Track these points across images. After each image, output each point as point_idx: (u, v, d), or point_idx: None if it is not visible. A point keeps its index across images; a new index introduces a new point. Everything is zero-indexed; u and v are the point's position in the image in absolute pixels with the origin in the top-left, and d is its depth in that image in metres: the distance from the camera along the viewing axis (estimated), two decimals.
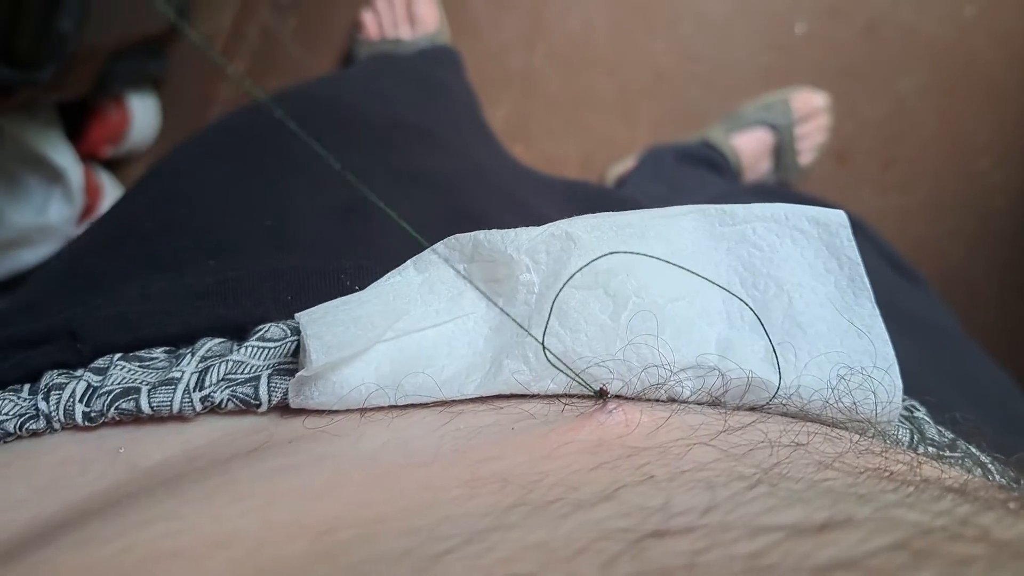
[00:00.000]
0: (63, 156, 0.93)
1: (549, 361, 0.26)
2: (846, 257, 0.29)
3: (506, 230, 0.29)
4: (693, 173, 1.04)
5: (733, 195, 0.91)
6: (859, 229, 0.70)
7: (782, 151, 1.12)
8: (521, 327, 0.27)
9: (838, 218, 0.29)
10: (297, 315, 0.27)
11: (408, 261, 0.30)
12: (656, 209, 0.30)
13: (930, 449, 0.29)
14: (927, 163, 1.18)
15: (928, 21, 1.16)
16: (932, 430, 0.31)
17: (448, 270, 0.29)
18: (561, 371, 0.26)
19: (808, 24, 1.17)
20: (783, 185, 1.13)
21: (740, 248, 0.29)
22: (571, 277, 0.27)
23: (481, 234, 0.29)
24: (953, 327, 0.58)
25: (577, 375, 0.26)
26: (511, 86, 1.19)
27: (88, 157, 1.01)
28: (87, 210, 1.01)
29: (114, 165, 1.10)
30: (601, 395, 0.25)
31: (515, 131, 1.19)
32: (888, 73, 1.17)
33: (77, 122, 0.99)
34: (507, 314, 0.28)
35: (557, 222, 0.29)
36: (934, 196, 1.18)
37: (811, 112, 1.12)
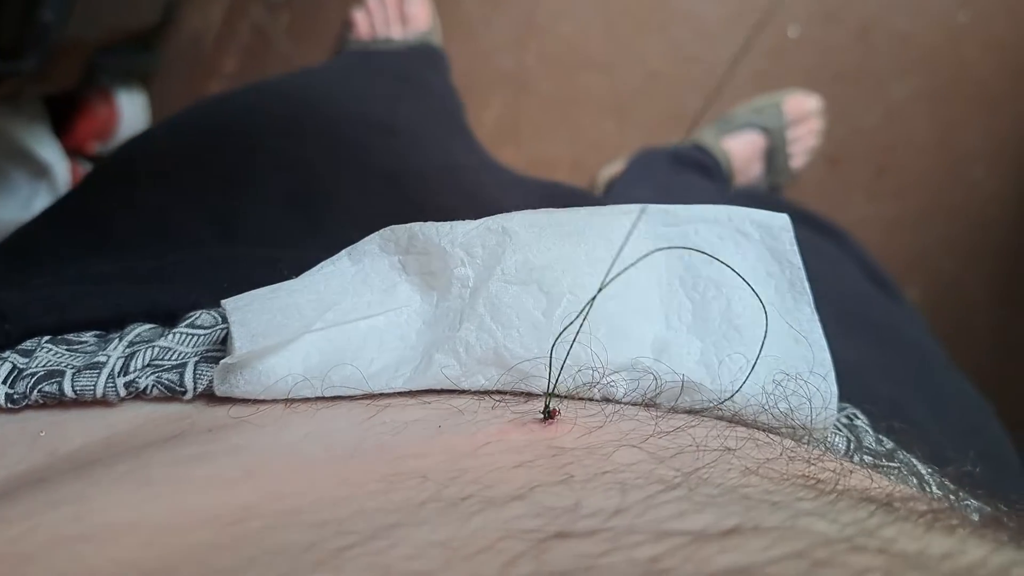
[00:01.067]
0: (49, 151, 0.93)
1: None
2: (788, 262, 0.28)
3: (442, 223, 0.28)
4: (683, 178, 1.03)
5: (721, 199, 0.90)
6: (840, 239, 0.70)
7: (774, 154, 1.11)
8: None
9: (781, 222, 0.29)
10: (223, 302, 0.27)
11: (342, 251, 0.29)
12: (597, 207, 0.29)
13: (866, 458, 0.29)
14: (919, 170, 1.17)
15: (921, 27, 1.15)
16: (870, 438, 0.30)
17: (383, 262, 0.29)
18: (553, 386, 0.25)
19: (801, 28, 1.16)
20: (774, 190, 1.13)
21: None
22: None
23: (416, 226, 0.28)
24: (931, 345, 0.58)
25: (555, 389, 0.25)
26: (503, 86, 1.19)
27: (75, 152, 1.01)
28: None
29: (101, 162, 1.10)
30: (550, 416, 0.24)
31: (506, 132, 1.18)
32: (881, 78, 1.16)
33: (64, 117, 0.99)
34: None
35: (493, 216, 0.28)
36: (926, 203, 1.18)
37: (803, 115, 1.11)
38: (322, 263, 0.29)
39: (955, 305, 1.17)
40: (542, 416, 0.24)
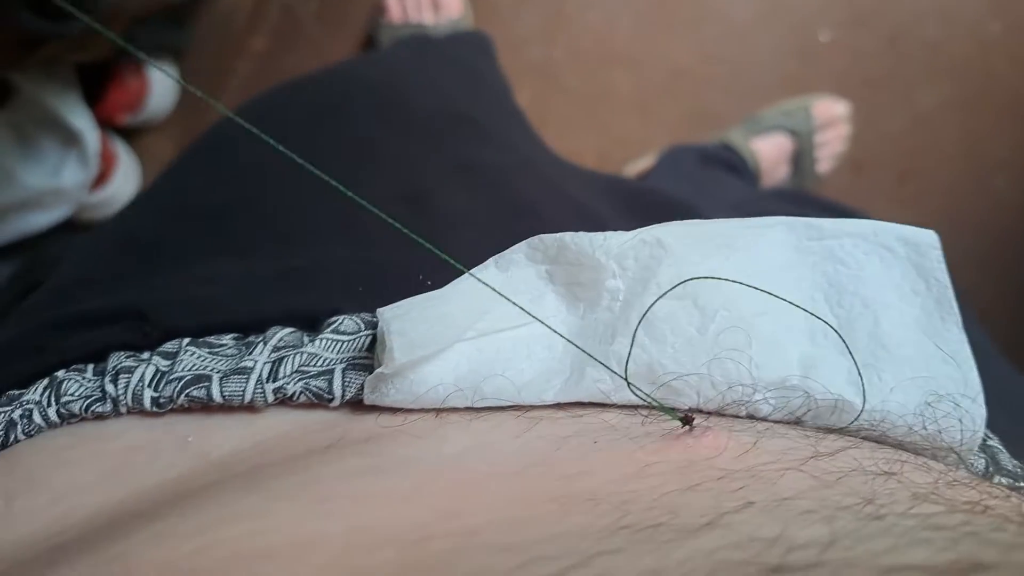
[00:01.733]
0: (80, 119, 0.92)
1: (632, 390, 0.25)
2: (935, 279, 0.28)
3: (594, 233, 0.28)
4: (713, 175, 1.03)
5: (754, 200, 0.90)
6: None
7: (801, 158, 1.11)
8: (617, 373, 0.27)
9: (929, 238, 0.28)
10: (380, 310, 0.27)
11: (490, 259, 0.29)
12: (744, 219, 0.29)
13: (1004, 480, 0.29)
14: (943, 178, 1.18)
15: (952, 36, 1.15)
16: (1006, 459, 0.30)
17: (530, 270, 0.29)
18: (640, 398, 0.25)
19: (832, 32, 1.16)
20: (800, 192, 1.13)
21: (826, 264, 0.28)
22: (668, 290, 0.26)
23: (568, 236, 0.28)
24: (988, 344, 0.58)
25: (656, 401, 0.25)
26: (530, 78, 1.18)
27: (105, 123, 1.00)
28: (100, 177, 0.99)
29: (129, 134, 1.08)
30: (687, 422, 0.24)
31: (533, 123, 1.18)
32: (909, 85, 1.17)
33: (96, 87, 0.98)
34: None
35: (648, 228, 0.28)
36: (948, 212, 1.18)
37: (831, 120, 1.12)
38: (470, 271, 0.29)
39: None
40: (680, 424, 0.24)
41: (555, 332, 0.27)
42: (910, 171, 1.18)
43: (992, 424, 0.34)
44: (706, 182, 1.02)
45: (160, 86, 1.04)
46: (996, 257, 1.18)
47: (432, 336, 0.26)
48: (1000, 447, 0.31)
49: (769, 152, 1.10)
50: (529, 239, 0.29)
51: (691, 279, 0.26)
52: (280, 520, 0.20)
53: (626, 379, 0.25)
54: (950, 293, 0.28)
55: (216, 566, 0.19)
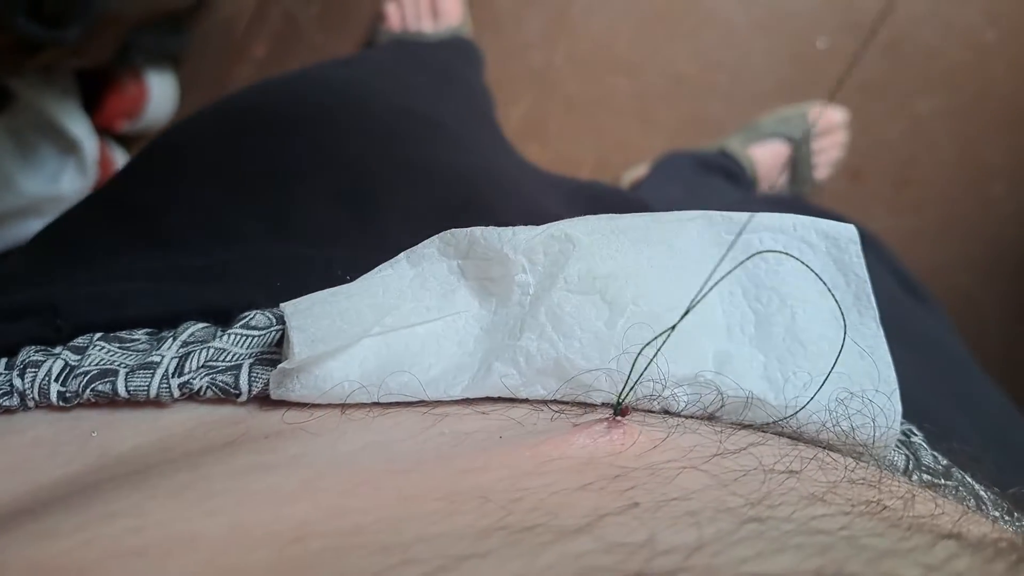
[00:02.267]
0: (79, 127, 0.93)
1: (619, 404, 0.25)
2: (854, 274, 0.28)
3: (504, 228, 0.28)
4: (709, 181, 1.03)
5: (749, 205, 0.90)
6: (872, 246, 0.69)
7: (798, 164, 1.11)
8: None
9: (848, 232, 0.28)
10: (282, 305, 0.27)
11: (401, 254, 0.29)
12: (660, 213, 0.29)
13: (925, 476, 0.28)
14: (941, 185, 1.17)
15: (949, 43, 1.15)
16: (928, 456, 0.30)
17: (442, 265, 0.28)
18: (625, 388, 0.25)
19: (830, 40, 1.16)
20: (797, 198, 1.13)
21: (745, 258, 0.28)
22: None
23: (478, 230, 0.28)
24: (961, 350, 0.57)
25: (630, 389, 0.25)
26: (531, 84, 1.19)
27: (103, 130, 1.01)
28: (99, 184, 1.00)
29: (127, 142, 1.10)
30: (622, 413, 0.24)
31: (532, 130, 1.18)
32: (907, 93, 1.16)
33: (94, 94, 0.99)
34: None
35: (557, 223, 0.28)
36: (946, 219, 1.17)
37: (829, 127, 1.11)
38: (380, 266, 0.29)
39: (969, 320, 1.16)
40: (612, 415, 0.24)
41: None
42: (907, 178, 1.17)
43: (952, 431, 0.33)
44: (702, 188, 1.02)
45: (159, 94, 1.05)
46: (993, 263, 1.17)
47: (335, 331, 0.26)
48: (924, 444, 0.31)
49: (766, 159, 1.10)
50: (441, 234, 0.29)
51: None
52: (160, 517, 0.20)
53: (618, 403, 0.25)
54: (868, 288, 0.28)
55: (89, 565, 0.19)
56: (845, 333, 0.27)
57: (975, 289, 1.17)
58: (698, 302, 0.23)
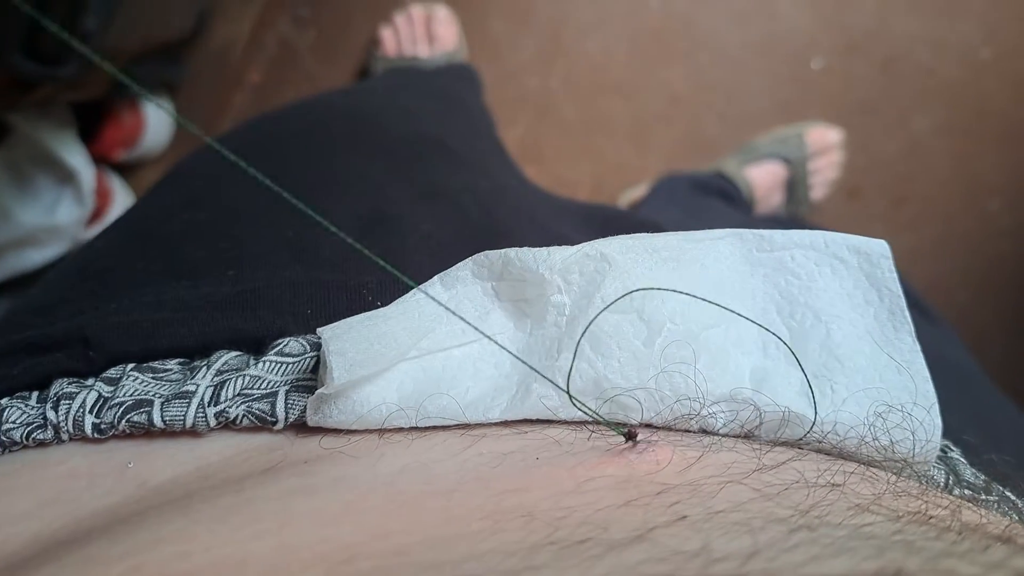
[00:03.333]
0: (76, 157, 0.93)
1: (575, 404, 0.25)
2: (887, 289, 0.28)
3: (538, 248, 0.28)
4: (707, 202, 1.03)
5: (748, 226, 0.90)
6: None
7: (795, 185, 1.11)
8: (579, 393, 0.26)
9: (880, 248, 0.28)
10: (319, 330, 0.26)
11: (435, 277, 0.29)
12: (692, 232, 0.29)
13: (966, 492, 0.28)
14: (938, 203, 1.17)
15: (944, 62, 1.16)
16: (967, 472, 0.30)
17: (476, 288, 0.28)
18: (584, 413, 0.25)
19: (825, 60, 1.17)
20: (795, 219, 1.13)
21: (777, 275, 0.28)
22: (609, 303, 0.26)
23: (512, 252, 0.28)
24: (973, 367, 0.57)
25: (601, 416, 0.25)
26: (527, 107, 1.19)
27: (100, 160, 1.01)
28: (96, 213, 1.00)
29: (125, 170, 1.09)
30: (630, 437, 0.24)
31: (529, 152, 1.19)
32: (903, 112, 1.17)
33: (91, 124, 0.99)
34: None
35: (591, 242, 0.28)
36: (944, 236, 1.18)
37: (825, 147, 1.12)
38: (414, 289, 0.29)
39: (968, 337, 1.16)
40: (624, 440, 0.24)
41: (502, 347, 0.27)
42: (905, 196, 1.18)
43: (967, 443, 0.33)
44: (699, 210, 1.02)
45: (156, 122, 1.05)
46: (992, 280, 1.18)
47: (373, 355, 0.25)
48: (962, 459, 0.30)
49: (763, 179, 1.10)
50: (475, 256, 0.28)
51: (635, 291, 0.26)
52: (207, 542, 0.20)
53: (568, 392, 0.25)
54: (902, 303, 0.28)
55: None
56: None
57: (974, 305, 1.18)
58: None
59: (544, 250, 0.28)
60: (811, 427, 0.26)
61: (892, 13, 1.16)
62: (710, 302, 0.26)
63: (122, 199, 1.06)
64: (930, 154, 1.17)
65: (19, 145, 0.90)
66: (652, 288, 0.26)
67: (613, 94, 1.19)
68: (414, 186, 0.42)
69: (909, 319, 0.28)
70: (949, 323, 0.71)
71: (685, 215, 0.99)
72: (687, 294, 0.26)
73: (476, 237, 0.39)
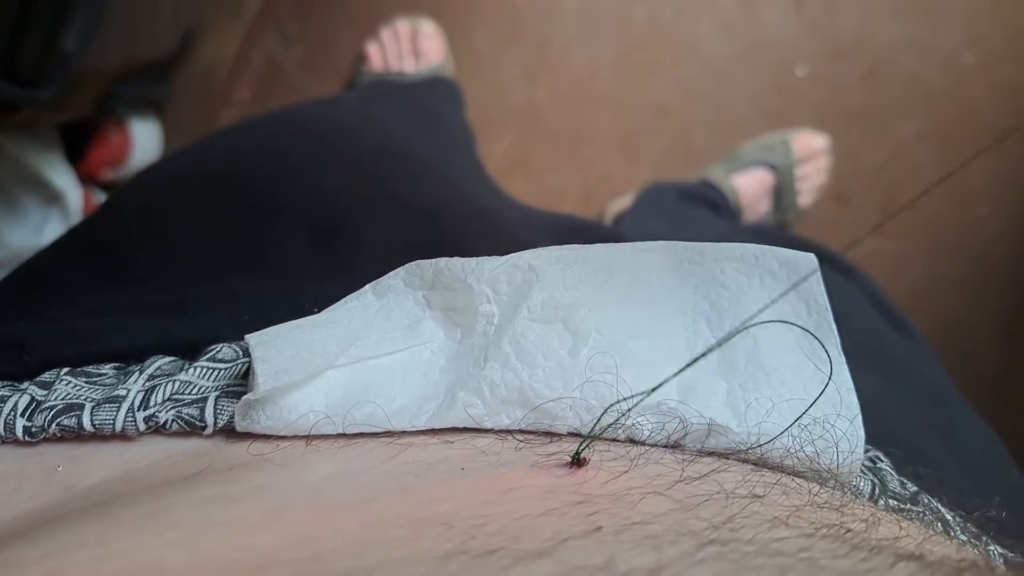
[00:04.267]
0: (62, 178, 0.93)
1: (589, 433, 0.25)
2: (815, 302, 0.28)
3: (468, 259, 0.28)
4: (693, 212, 1.04)
5: (732, 236, 0.90)
6: (855, 276, 0.70)
7: (782, 192, 1.12)
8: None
9: (808, 261, 0.28)
10: (247, 336, 0.27)
11: (367, 286, 0.29)
12: (622, 243, 0.29)
13: (891, 502, 0.28)
14: (926, 208, 1.17)
15: (928, 68, 1.16)
16: (895, 482, 0.30)
17: (407, 297, 0.29)
18: (588, 436, 0.25)
19: (810, 67, 1.17)
20: (782, 226, 1.13)
21: (708, 287, 0.28)
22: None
23: (442, 261, 0.28)
24: (943, 381, 0.57)
25: (585, 435, 0.25)
26: (513, 120, 1.20)
27: (87, 179, 1.01)
28: None
29: (112, 189, 1.10)
30: (579, 464, 0.24)
31: (515, 164, 1.19)
32: (888, 118, 1.17)
33: (78, 144, 0.99)
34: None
35: (520, 253, 0.28)
36: (932, 242, 1.18)
37: (811, 154, 1.12)
38: (346, 298, 0.29)
39: (959, 342, 1.17)
40: (570, 461, 0.24)
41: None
42: (892, 202, 1.18)
43: (921, 456, 0.33)
44: (685, 219, 1.02)
45: (143, 141, 1.06)
46: (982, 284, 1.18)
47: (299, 362, 0.26)
48: (891, 470, 0.31)
49: (750, 187, 1.10)
50: (407, 265, 0.29)
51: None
52: (121, 547, 0.20)
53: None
54: (830, 316, 0.28)
55: None
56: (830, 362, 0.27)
57: (965, 310, 1.18)
58: (698, 359, 0.23)
59: (473, 260, 0.28)
60: (736, 438, 0.26)
61: (876, 21, 1.16)
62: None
63: None
64: (917, 160, 1.17)
65: (5, 166, 0.91)
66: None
67: (599, 105, 1.19)
68: (373, 199, 0.42)
69: (835, 332, 0.28)
70: (927, 339, 0.71)
71: (670, 225, 0.99)
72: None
73: (430, 247, 0.40)
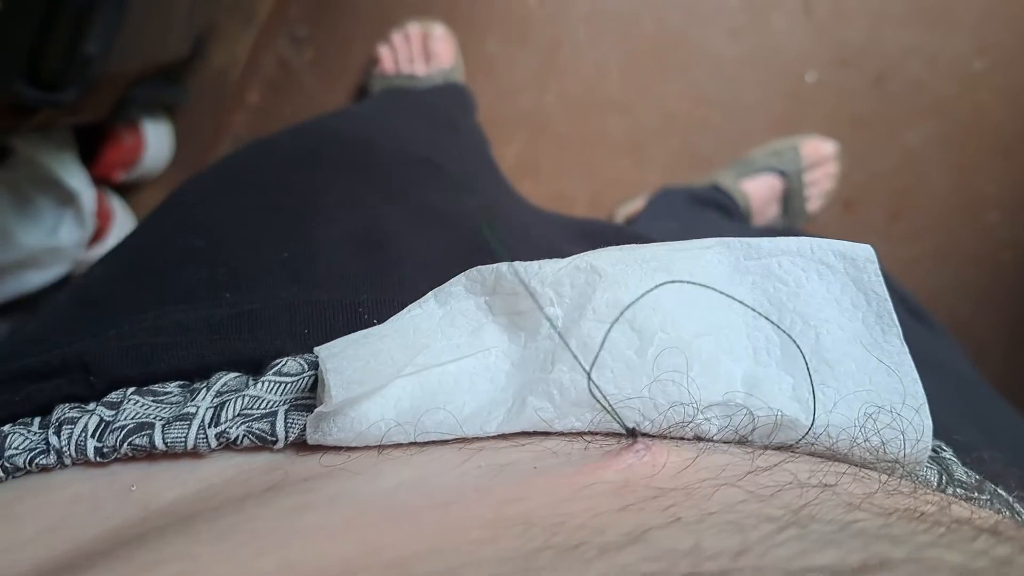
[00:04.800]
0: (76, 179, 0.93)
1: (595, 398, 0.25)
2: (873, 293, 0.28)
3: (529, 262, 0.28)
4: (703, 215, 1.04)
5: (744, 236, 0.90)
6: None
7: (791, 197, 1.12)
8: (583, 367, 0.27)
9: (865, 252, 0.28)
10: (316, 349, 0.27)
11: (429, 293, 0.29)
12: (680, 242, 0.29)
13: (959, 491, 0.29)
14: (935, 215, 1.18)
15: (937, 74, 1.17)
16: (960, 471, 0.30)
17: (469, 303, 0.29)
18: (605, 408, 0.26)
19: (819, 74, 1.18)
20: (791, 230, 1.14)
21: (765, 283, 0.28)
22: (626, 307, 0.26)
23: (504, 266, 0.28)
24: (972, 372, 0.58)
25: (614, 410, 0.26)
26: (523, 124, 1.20)
27: (100, 181, 1.02)
28: (97, 234, 1.01)
29: (125, 190, 1.10)
30: (632, 434, 0.24)
31: (526, 168, 1.19)
32: (897, 124, 1.18)
33: (91, 145, 0.99)
34: (565, 343, 0.27)
35: (581, 255, 0.28)
36: (941, 248, 1.18)
37: (820, 159, 1.13)
38: (409, 306, 0.29)
39: (968, 347, 1.17)
40: (625, 436, 0.24)
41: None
42: (901, 209, 1.18)
43: (969, 445, 0.34)
44: (696, 223, 1.03)
45: (155, 143, 1.06)
46: (992, 292, 1.18)
47: (369, 372, 0.26)
48: (954, 459, 0.31)
49: (759, 192, 1.11)
50: (467, 271, 0.29)
51: (669, 282, 0.26)
52: (209, 560, 0.20)
53: (589, 375, 0.25)
54: (889, 306, 0.28)
55: None
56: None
57: (972, 317, 1.18)
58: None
59: (535, 264, 0.28)
60: (806, 431, 0.26)
61: (885, 27, 1.16)
62: (723, 294, 0.26)
63: (122, 220, 1.06)
64: (926, 166, 1.18)
65: (20, 167, 0.91)
66: (678, 281, 0.27)
67: (609, 110, 1.19)
68: (407, 207, 0.42)
69: (896, 322, 0.28)
70: (948, 332, 0.72)
71: (682, 228, 1.00)
72: (702, 285, 0.27)
73: (469, 255, 0.40)
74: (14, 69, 0.68)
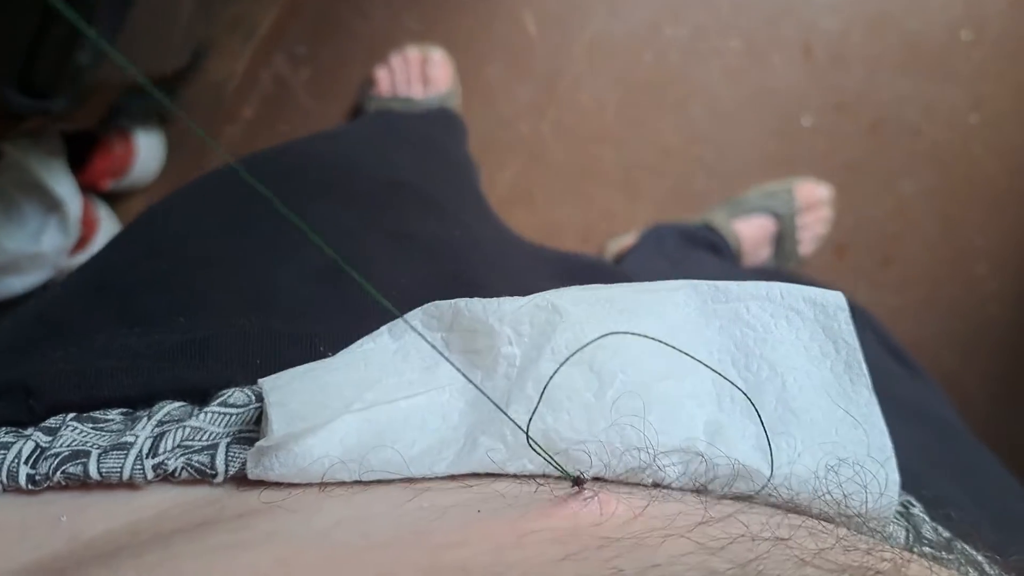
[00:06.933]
0: (63, 186, 0.92)
1: (532, 447, 0.25)
2: (843, 341, 0.27)
3: (488, 299, 0.27)
4: (694, 254, 1.04)
5: (734, 277, 0.90)
6: (860, 316, 0.69)
7: (783, 239, 1.12)
8: (508, 415, 0.26)
9: (836, 299, 0.28)
10: (260, 381, 0.26)
11: (383, 327, 0.28)
12: (647, 283, 0.29)
13: (926, 549, 0.28)
14: (925, 264, 1.18)
15: (933, 125, 1.17)
16: (928, 528, 0.29)
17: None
18: (543, 457, 0.25)
19: (815, 118, 1.18)
20: (782, 271, 1.13)
21: (733, 327, 0.28)
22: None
23: (462, 302, 0.27)
24: (955, 420, 0.57)
25: (553, 459, 0.25)
26: (519, 152, 1.20)
27: (88, 188, 1.01)
28: (81, 241, 1.00)
29: (113, 199, 1.09)
30: (577, 482, 0.24)
31: (519, 195, 1.19)
32: (891, 172, 1.18)
33: (81, 152, 0.99)
34: (486, 395, 0.26)
35: (542, 293, 0.28)
36: (930, 298, 1.18)
37: (814, 203, 1.13)
38: (362, 340, 0.28)
39: (953, 397, 1.16)
40: (571, 483, 0.23)
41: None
42: (892, 256, 1.18)
43: (937, 500, 0.33)
44: (686, 261, 1.02)
45: (146, 152, 1.05)
46: (976, 341, 1.18)
47: (315, 406, 0.25)
48: (924, 516, 0.30)
49: (751, 233, 1.10)
50: (424, 306, 0.28)
51: (601, 336, 0.26)
52: None
53: (527, 433, 0.24)
54: (859, 355, 0.27)
55: None
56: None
57: (958, 367, 1.18)
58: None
59: (494, 301, 0.27)
60: (767, 481, 0.25)
61: (883, 75, 1.17)
62: (676, 349, 0.26)
63: (108, 228, 1.05)
64: (917, 216, 1.18)
65: (7, 172, 0.90)
66: (620, 332, 0.26)
67: (604, 142, 1.19)
68: (385, 233, 0.42)
69: (866, 372, 0.27)
70: (934, 379, 0.71)
71: (671, 265, 0.99)
72: (651, 338, 0.26)
73: (445, 286, 0.39)
74: (7, 77, 0.67)
